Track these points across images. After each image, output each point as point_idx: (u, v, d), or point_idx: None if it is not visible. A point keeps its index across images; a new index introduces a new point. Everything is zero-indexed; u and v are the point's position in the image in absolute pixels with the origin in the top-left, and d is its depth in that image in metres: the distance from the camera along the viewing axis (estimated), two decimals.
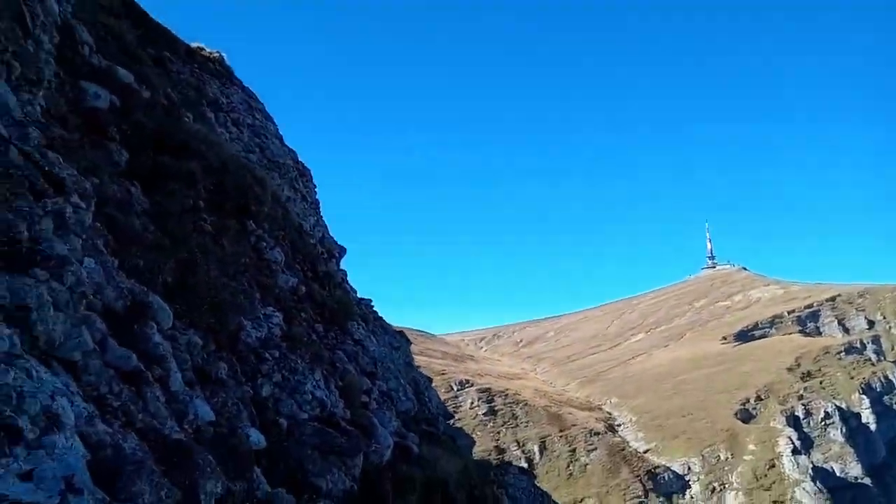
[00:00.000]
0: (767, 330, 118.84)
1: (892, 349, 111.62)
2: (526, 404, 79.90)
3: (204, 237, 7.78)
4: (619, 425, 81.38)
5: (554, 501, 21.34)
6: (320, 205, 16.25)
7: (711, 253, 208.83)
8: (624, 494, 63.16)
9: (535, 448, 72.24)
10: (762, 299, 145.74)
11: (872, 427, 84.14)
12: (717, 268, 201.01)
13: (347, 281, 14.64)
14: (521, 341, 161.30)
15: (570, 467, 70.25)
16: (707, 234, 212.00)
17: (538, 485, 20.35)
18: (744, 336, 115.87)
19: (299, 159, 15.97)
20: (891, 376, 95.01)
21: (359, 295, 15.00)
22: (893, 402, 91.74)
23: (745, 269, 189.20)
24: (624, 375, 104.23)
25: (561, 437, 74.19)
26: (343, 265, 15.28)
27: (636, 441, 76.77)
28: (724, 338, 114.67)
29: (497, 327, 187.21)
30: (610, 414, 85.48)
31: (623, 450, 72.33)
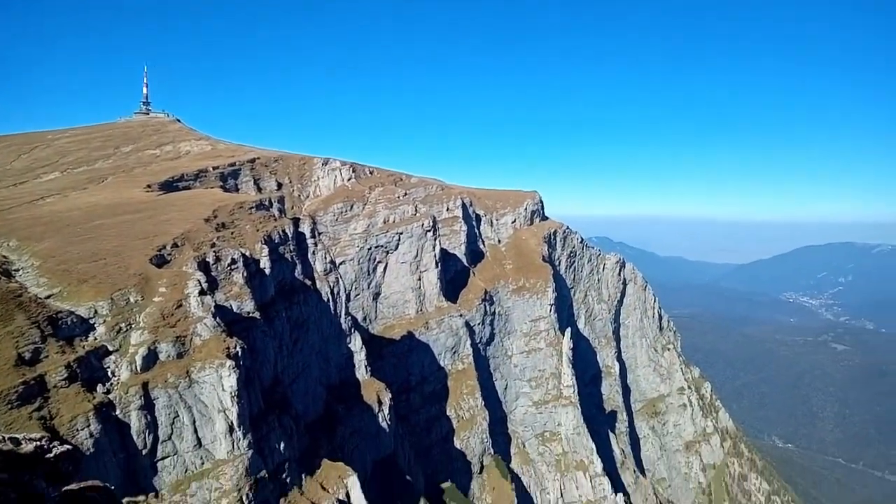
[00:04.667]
0: (192, 183, 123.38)
1: (292, 208, 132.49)
2: None
3: None
4: (17, 270, 72.28)
5: None
6: None
7: (147, 98, 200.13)
8: (17, 341, 57.24)
9: None
10: (191, 153, 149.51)
11: (267, 271, 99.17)
12: (152, 115, 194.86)
13: None
14: None
15: None
16: (145, 79, 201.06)
17: None
18: (168, 186, 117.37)
19: None
20: (287, 230, 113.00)
21: None
22: (285, 251, 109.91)
23: (179, 120, 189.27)
24: (30, 216, 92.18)
25: None
26: None
27: (37, 287, 69.86)
28: (149, 186, 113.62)
29: None
30: (6, 258, 74.80)
31: (20, 296, 64.84)
